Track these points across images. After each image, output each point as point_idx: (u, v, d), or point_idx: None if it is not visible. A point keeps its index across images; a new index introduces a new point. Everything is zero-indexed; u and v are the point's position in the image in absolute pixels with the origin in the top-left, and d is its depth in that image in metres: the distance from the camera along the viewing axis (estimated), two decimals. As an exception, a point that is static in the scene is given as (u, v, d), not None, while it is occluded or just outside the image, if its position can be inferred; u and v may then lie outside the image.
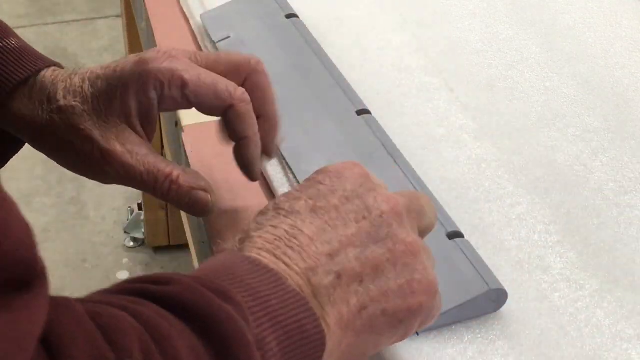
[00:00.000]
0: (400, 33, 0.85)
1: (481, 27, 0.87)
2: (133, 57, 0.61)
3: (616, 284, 0.61)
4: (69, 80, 0.62)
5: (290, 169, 0.68)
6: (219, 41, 0.82)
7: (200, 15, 0.87)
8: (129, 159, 0.60)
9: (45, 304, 0.35)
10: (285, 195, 0.50)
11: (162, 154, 1.62)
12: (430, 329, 0.57)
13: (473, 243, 0.61)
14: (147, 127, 0.61)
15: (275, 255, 0.46)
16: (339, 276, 0.46)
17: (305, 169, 0.67)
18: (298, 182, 0.66)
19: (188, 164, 0.73)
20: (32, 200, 1.96)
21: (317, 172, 0.51)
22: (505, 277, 0.60)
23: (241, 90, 0.60)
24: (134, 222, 1.86)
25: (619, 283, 0.61)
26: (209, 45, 0.83)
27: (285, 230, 0.47)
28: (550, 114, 0.76)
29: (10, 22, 0.78)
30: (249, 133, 0.61)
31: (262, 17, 0.84)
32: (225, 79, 0.61)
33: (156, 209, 1.73)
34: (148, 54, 0.61)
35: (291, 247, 0.46)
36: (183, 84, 0.59)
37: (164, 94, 0.60)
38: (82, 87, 0.61)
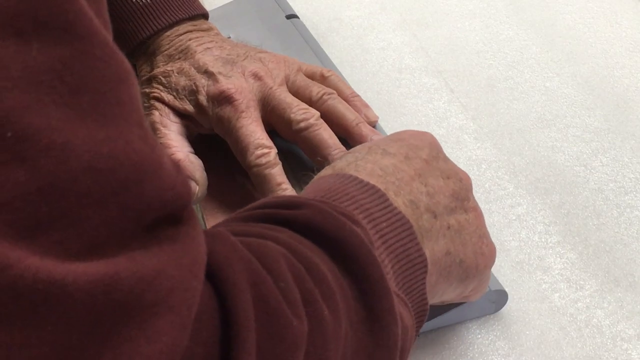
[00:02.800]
0: (400, 33, 0.85)
1: (481, 27, 0.87)
2: (207, 81, 0.67)
3: (616, 284, 0.61)
4: (174, 62, 0.69)
5: (290, 170, 0.68)
6: (219, 41, 0.82)
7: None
8: (158, 125, 0.67)
9: (201, 233, 0.36)
10: (374, 141, 0.53)
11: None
12: (430, 329, 0.57)
13: (473, 243, 0.61)
14: (193, 130, 0.68)
15: (384, 182, 0.48)
16: (435, 216, 0.49)
17: (303, 171, 0.67)
18: (301, 188, 0.66)
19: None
20: (32, 200, 1.96)
21: (398, 133, 0.54)
22: (506, 278, 0.60)
23: (261, 149, 0.64)
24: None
25: (619, 283, 0.61)
26: (209, 46, 0.83)
27: (387, 165, 0.50)
28: (550, 114, 0.76)
29: (10, 23, 0.78)
30: (263, 194, 0.65)
31: (263, 17, 0.84)
32: (257, 133, 0.65)
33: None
34: (215, 89, 0.66)
35: (398, 179, 0.49)
36: (222, 131, 0.66)
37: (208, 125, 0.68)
38: (175, 75, 0.69)
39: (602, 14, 0.89)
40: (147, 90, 0.69)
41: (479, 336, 0.57)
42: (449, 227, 0.50)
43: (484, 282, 0.53)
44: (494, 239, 0.63)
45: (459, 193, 0.51)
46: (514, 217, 0.66)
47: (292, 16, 0.83)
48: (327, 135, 0.66)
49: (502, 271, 0.61)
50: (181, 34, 0.71)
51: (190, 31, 0.71)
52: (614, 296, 0.60)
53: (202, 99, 0.67)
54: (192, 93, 0.68)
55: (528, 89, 0.79)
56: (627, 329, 0.58)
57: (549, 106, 0.77)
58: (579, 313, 0.59)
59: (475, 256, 0.51)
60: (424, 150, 0.52)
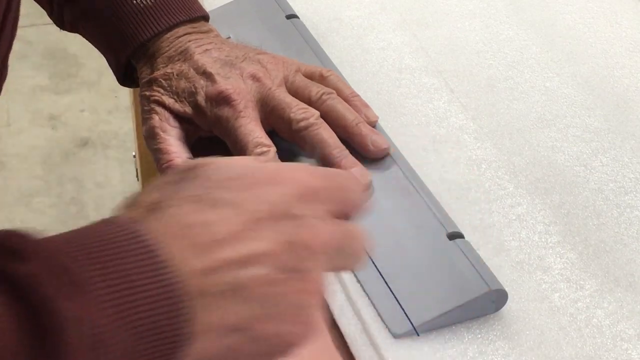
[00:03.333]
0: (400, 33, 0.85)
1: (481, 27, 0.87)
2: (205, 83, 0.67)
3: (616, 284, 0.61)
4: (174, 62, 0.70)
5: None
6: (219, 41, 0.82)
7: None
8: (158, 130, 0.67)
9: None
10: (223, 170, 0.46)
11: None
12: (430, 329, 0.57)
13: (473, 243, 0.61)
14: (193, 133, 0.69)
15: (169, 246, 0.41)
16: (234, 291, 0.42)
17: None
18: None
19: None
20: (32, 200, 1.96)
21: (263, 169, 0.46)
22: (506, 278, 0.60)
23: (259, 143, 0.64)
24: (134, 222, 1.86)
25: (619, 283, 0.61)
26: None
27: (198, 221, 0.43)
28: (550, 114, 0.76)
29: (10, 23, 0.78)
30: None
31: (263, 17, 0.84)
32: (255, 131, 0.65)
33: (156, 209, 1.73)
34: (212, 90, 0.67)
35: (192, 242, 0.42)
36: (221, 133, 0.67)
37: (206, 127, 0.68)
38: (175, 77, 0.69)
39: (602, 14, 0.88)
40: (147, 93, 0.69)
41: (479, 336, 0.57)
42: (252, 300, 0.43)
43: (285, 355, 0.45)
44: (494, 239, 0.64)
45: (292, 262, 0.44)
46: (514, 217, 0.66)
47: (292, 16, 0.83)
48: (327, 135, 0.65)
49: (502, 271, 0.61)
50: (180, 36, 0.71)
51: (190, 33, 0.71)
52: (614, 296, 0.60)
53: (201, 100, 0.67)
54: (192, 95, 0.68)
55: (528, 89, 0.79)
56: (627, 329, 0.58)
57: (549, 106, 0.77)
58: (579, 313, 0.59)
59: (281, 336, 0.44)
60: (270, 204, 0.44)
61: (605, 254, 0.63)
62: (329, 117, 0.67)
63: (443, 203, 0.64)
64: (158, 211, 0.43)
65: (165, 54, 0.70)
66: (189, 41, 0.71)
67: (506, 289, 0.58)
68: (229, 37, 0.82)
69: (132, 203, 0.45)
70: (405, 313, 0.57)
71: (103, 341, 0.39)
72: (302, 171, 0.47)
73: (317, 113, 0.66)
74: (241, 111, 0.66)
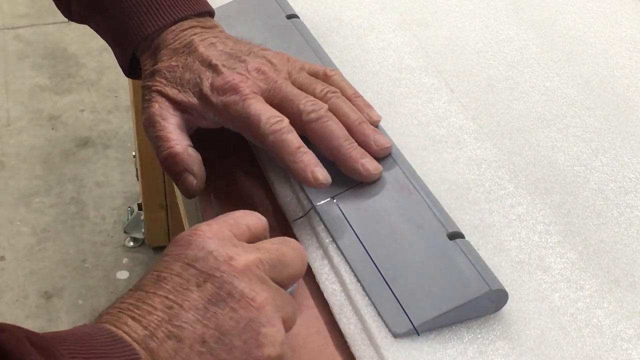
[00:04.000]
0: (400, 33, 0.85)
1: (481, 27, 0.87)
2: (210, 75, 0.68)
3: (616, 284, 0.61)
4: (178, 55, 0.70)
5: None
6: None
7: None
8: (157, 118, 0.67)
9: None
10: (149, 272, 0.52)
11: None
12: (430, 329, 0.57)
13: (473, 243, 0.61)
14: (194, 123, 0.69)
15: (115, 325, 0.48)
16: (180, 340, 0.48)
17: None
18: (301, 187, 0.67)
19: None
20: (32, 200, 1.95)
21: (171, 243, 0.54)
22: (506, 278, 0.60)
23: (273, 120, 0.65)
24: (134, 222, 1.86)
25: (619, 283, 0.61)
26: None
27: (129, 303, 0.49)
28: (550, 114, 0.76)
29: (10, 22, 0.79)
30: (284, 158, 0.64)
31: (263, 17, 0.84)
32: (267, 112, 0.65)
33: (156, 209, 1.73)
34: (218, 80, 0.67)
35: (132, 317, 0.49)
36: (230, 119, 0.66)
37: (215, 117, 0.68)
38: (176, 66, 0.69)
39: (602, 14, 0.89)
40: (149, 83, 0.69)
41: (479, 336, 0.57)
42: (204, 342, 0.49)
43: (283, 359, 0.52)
44: (494, 239, 0.64)
45: (219, 292, 0.50)
46: (514, 217, 0.66)
47: (292, 16, 0.83)
48: (336, 127, 0.65)
49: (502, 271, 0.61)
50: (185, 29, 0.71)
51: (194, 27, 0.71)
52: (614, 296, 0.60)
53: (206, 89, 0.67)
54: (196, 85, 0.67)
55: (528, 89, 0.79)
56: (627, 329, 0.58)
57: (549, 106, 0.77)
58: (579, 313, 0.59)
59: (249, 352, 0.50)
60: (180, 260, 0.52)
61: (605, 254, 0.63)
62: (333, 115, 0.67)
63: (443, 203, 0.64)
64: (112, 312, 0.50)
65: (170, 46, 0.70)
66: (194, 34, 0.71)
67: (506, 289, 0.58)
68: (229, 37, 0.82)
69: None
70: (405, 313, 0.57)
71: None
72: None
73: (326, 106, 0.66)
74: (248, 94, 0.66)
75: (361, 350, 0.56)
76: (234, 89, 0.66)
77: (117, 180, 2.01)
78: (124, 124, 2.10)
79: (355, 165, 0.65)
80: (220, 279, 0.50)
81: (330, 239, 0.63)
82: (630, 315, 0.59)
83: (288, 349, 0.52)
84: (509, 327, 0.58)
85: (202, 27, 0.72)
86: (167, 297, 0.49)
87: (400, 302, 0.57)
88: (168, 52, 0.70)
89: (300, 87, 0.68)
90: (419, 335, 0.57)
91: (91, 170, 2.03)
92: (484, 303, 0.57)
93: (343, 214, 0.64)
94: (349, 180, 0.66)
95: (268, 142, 0.64)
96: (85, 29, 0.81)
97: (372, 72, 0.80)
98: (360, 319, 0.58)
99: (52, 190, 1.98)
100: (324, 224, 0.64)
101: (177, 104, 0.68)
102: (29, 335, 0.44)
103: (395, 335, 0.57)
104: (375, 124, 0.69)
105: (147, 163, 1.66)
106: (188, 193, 0.67)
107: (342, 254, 0.62)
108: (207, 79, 0.67)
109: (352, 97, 0.70)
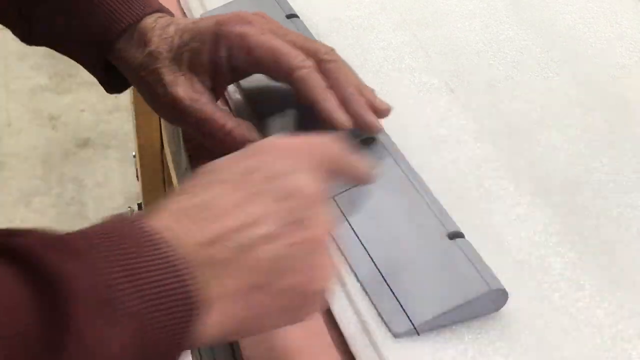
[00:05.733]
0: (400, 33, 0.85)
1: (481, 27, 0.87)
2: (214, 17, 0.67)
3: (616, 284, 0.61)
4: (165, 29, 0.68)
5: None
6: (219, 41, 0.82)
7: (201, 15, 0.87)
8: (187, 104, 0.65)
9: None
10: (214, 162, 0.50)
11: (162, 154, 1.62)
12: (430, 329, 0.57)
13: (473, 243, 0.61)
14: (217, 83, 0.67)
15: (171, 228, 0.45)
16: (241, 251, 0.46)
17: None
18: None
19: (189, 163, 0.73)
20: (32, 200, 1.96)
21: (247, 148, 0.51)
22: (506, 278, 0.60)
23: (302, 57, 0.64)
24: (134, 222, 1.86)
25: (619, 283, 0.61)
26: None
27: (198, 202, 0.47)
28: (550, 114, 0.76)
29: (10, 23, 0.78)
30: (313, 95, 0.64)
31: (262, 17, 0.84)
32: (292, 49, 0.65)
33: (156, 208, 1.73)
34: (227, 16, 0.66)
35: (195, 220, 0.46)
36: (249, 49, 0.65)
37: (233, 56, 0.66)
38: (172, 37, 0.68)
39: (602, 14, 0.89)
40: (154, 66, 0.67)
41: (479, 336, 0.57)
42: (263, 258, 0.46)
43: (318, 303, 0.50)
44: (494, 239, 0.64)
45: (293, 214, 0.48)
46: (514, 217, 0.66)
47: (292, 16, 0.83)
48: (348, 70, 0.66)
49: (502, 271, 0.61)
50: (162, 17, 0.71)
51: (167, 16, 0.71)
52: (614, 296, 0.60)
53: (218, 22, 0.66)
54: (203, 31, 0.66)
55: (528, 89, 0.79)
56: (627, 329, 0.58)
57: (549, 106, 0.77)
58: (579, 313, 0.59)
59: (302, 285, 0.48)
60: (262, 171, 0.49)
61: (605, 254, 0.63)
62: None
63: (443, 203, 0.64)
64: (158, 210, 0.47)
65: (156, 27, 0.69)
66: (172, 19, 0.70)
67: (506, 289, 0.58)
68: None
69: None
70: (405, 313, 0.57)
71: (109, 302, 0.41)
72: (284, 138, 0.52)
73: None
74: (264, 28, 0.66)
75: (361, 350, 0.56)
76: (248, 21, 0.66)
77: (117, 180, 2.01)
78: (124, 124, 2.10)
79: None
80: (299, 200, 0.48)
81: (330, 239, 0.63)
82: (630, 315, 0.59)
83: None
84: (509, 327, 0.58)
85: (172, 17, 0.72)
86: (238, 205, 0.47)
87: (400, 302, 0.57)
88: (156, 32, 0.69)
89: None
90: (419, 335, 0.57)
91: (91, 170, 2.03)
92: (484, 303, 0.57)
93: (343, 214, 0.64)
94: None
95: (297, 75, 0.63)
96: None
97: (372, 72, 0.80)
98: (360, 319, 0.58)
99: (52, 190, 1.99)
100: (324, 224, 0.64)
101: (192, 67, 0.66)
102: (45, 236, 0.43)
103: (395, 335, 0.57)
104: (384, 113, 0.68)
105: (147, 163, 1.66)
106: None
107: (342, 254, 0.62)
108: (210, 19, 0.66)
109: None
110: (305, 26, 0.82)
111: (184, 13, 0.90)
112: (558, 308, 0.59)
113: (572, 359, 0.56)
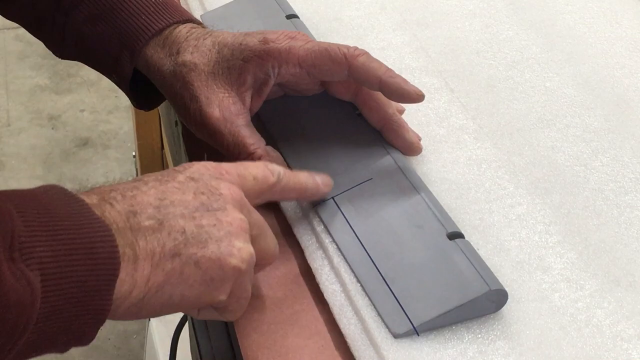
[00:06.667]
0: (400, 33, 0.85)
1: (481, 27, 0.87)
2: (258, 35, 0.66)
3: (616, 284, 0.61)
4: (201, 40, 0.68)
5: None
6: (219, 41, 0.82)
7: (201, 15, 0.87)
8: (222, 126, 0.65)
9: None
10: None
11: (162, 154, 1.62)
12: (430, 329, 0.57)
13: (473, 243, 0.61)
14: (256, 101, 0.67)
15: (102, 199, 0.52)
16: (160, 223, 0.52)
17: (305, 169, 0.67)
18: None
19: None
20: (32, 200, 1.95)
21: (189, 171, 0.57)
22: (506, 277, 0.60)
23: (352, 47, 0.66)
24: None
25: (619, 283, 0.61)
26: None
27: (125, 188, 0.53)
28: (550, 114, 0.76)
29: (10, 22, 0.78)
30: (379, 74, 0.65)
31: (263, 17, 0.84)
32: (336, 44, 0.66)
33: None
34: (272, 34, 0.67)
35: (123, 196, 0.52)
36: (300, 59, 0.65)
37: (282, 72, 0.66)
38: (210, 50, 0.67)
39: (602, 14, 0.89)
40: (190, 79, 0.66)
41: (479, 336, 0.57)
42: (183, 232, 0.52)
43: (242, 287, 0.56)
44: (494, 239, 0.64)
45: (212, 204, 0.54)
46: (514, 217, 0.66)
47: (292, 16, 0.83)
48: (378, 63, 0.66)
49: (502, 271, 0.61)
50: (195, 27, 0.70)
51: (198, 27, 0.71)
52: (614, 296, 0.60)
53: (258, 43, 0.66)
54: (240, 50, 0.66)
55: (528, 89, 0.79)
56: (627, 329, 0.58)
57: (549, 106, 0.77)
58: (579, 313, 0.59)
59: (221, 256, 0.53)
60: (184, 173, 0.56)
61: (605, 254, 0.63)
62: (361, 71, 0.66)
63: (443, 203, 0.64)
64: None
65: (190, 37, 0.68)
66: (209, 31, 0.70)
67: (506, 289, 0.58)
68: (229, 37, 0.82)
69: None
70: (405, 313, 0.57)
71: (28, 252, 0.46)
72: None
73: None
74: (305, 39, 0.67)
75: (361, 350, 0.56)
76: (291, 37, 0.66)
77: (117, 180, 2.01)
78: (124, 124, 2.10)
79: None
80: (219, 196, 0.54)
81: (330, 239, 0.63)
82: (630, 315, 0.59)
83: (251, 274, 0.56)
84: (509, 327, 0.58)
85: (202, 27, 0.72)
86: (162, 192, 0.53)
87: (400, 302, 0.57)
88: (191, 42, 0.68)
89: None
90: (418, 335, 0.57)
91: (91, 170, 2.03)
92: (484, 303, 0.57)
93: (343, 214, 0.64)
94: (349, 181, 0.66)
95: (358, 62, 0.64)
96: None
97: (372, 72, 0.80)
98: (360, 319, 0.58)
99: (52, 190, 1.99)
100: (324, 224, 0.64)
101: (232, 84, 0.66)
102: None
103: (395, 335, 0.57)
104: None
105: (147, 163, 1.66)
106: None
107: (342, 254, 0.62)
108: (255, 36, 0.66)
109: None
110: (305, 26, 0.82)
111: (184, 13, 0.90)
112: (558, 308, 0.59)
113: (572, 359, 0.56)
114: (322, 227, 0.64)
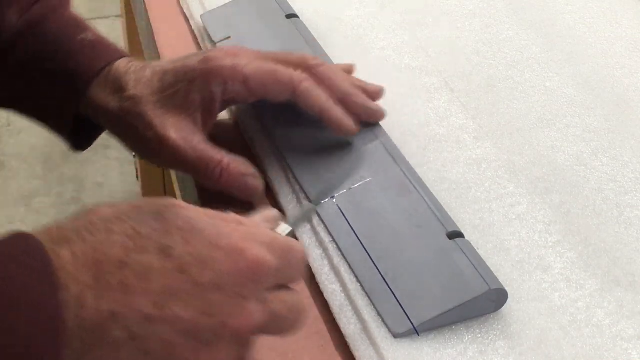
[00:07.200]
0: (400, 33, 0.85)
1: (481, 27, 0.87)
2: (199, 55, 0.67)
3: (616, 284, 0.61)
4: (140, 72, 0.68)
5: (292, 172, 0.68)
6: (220, 41, 0.82)
7: (201, 15, 0.87)
8: (182, 144, 0.64)
9: None
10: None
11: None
12: (430, 329, 0.57)
13: (473, 243, 0.61)
14: (207, 119, 0.66)
15: (80, 272, 0.41)
16: (132, 340, 0.42)
17: (307, 172, 0.67)
18: (301, 187, 0.67)
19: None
20: (32, 200, 1.96)
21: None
22: (506, 277, 0.60)
23: (297, 72, 0.66)
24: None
25: (619, 283, 0.61)
26: (209, 46, 0.83)
27: (127, 260, 0.43)
28: (550, 114, 0.76)
29: (10, 22, 0.78)
30: (320, 104, 0.66)
31: (263, 17, 0.84)
32: (286, 67, 0.66)
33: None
34: (213, 52, 0.67)
35: (110, 279, 0.42)
36: (244, 78, 0.65)
37: (227, 89, 0.66)
38: (151, 80, 0.67)
39: (602, 14, 0.89)
40: (140, 110, 0.66)
41: (479, 336, 0.57)
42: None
43: None
44: (494, 239, 0.64)
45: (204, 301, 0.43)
46: (514, 217, 0.66)
47: (292, 16, 0.83)
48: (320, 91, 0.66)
49: (502, 270, 0.61)
50: (131, 62, 0.70)
51: (134, 61, 0.70)
52: (614, 296, 0.60)
53: (199, 63, 0.66)
54: (182, 74, 0.66)
55: (528, 89, 0.79)
56: (627, 329, 0.58)
57: (549, 106, 0.77)
58: (579, 313, 0.59)
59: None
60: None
61: (605, 253, 0.63)
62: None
63: (443, 203, 0.64)
64: (90, 231, 0.43)
65: (131, 71, 0.68)
66: (145, 62, 0.69)
67: (506, 289, 0.58)
68: (229, 37, 0.83)
69: (74, 216, 0.44)
70: (405, 313, 0.57)
71: None
72: (264, 247, 0.46)
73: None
74: (253, 55, 0.66)
75: (361, 350, 0.56)
76: (234, 53, 0.66)
77: (117, 180, 2.01)
78: (124, 124, 2.10)
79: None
80: (223, 281, 0.44)
81: (330, 239, 0.63)
82: (630, 315, 0.59)
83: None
84: (509, 327, 0.58)
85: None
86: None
87: (400, 302, 0.57)
88: (132, 76, 0.68)
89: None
90: (419, 335, 0.57)
91: (91, 170, 2.03)
92: (484, 303, 0.57)
93: (343, 214, 0.64)
94: (349, 180, 0.66)
95: (300, 90, 0.65)
96: (85, 29, 0.80)
97: (372, 72, 0.80)
98: (360, 319, 0.58)
99: (52, 190, 1.99)
100: (324, 224, 0.64)
101: (181, 108, 0.66)
102: None
103: (395, 335, 0.57)
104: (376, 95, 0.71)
105: (147, 163, 1.66)
106: (257, 193, 0.65)
107: (342, 254, 0.62)
108: (195, 57, 0.66)
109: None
110: (305, 26, 0.82)
111: (184, 13, 0.90)
112: (558, 308, 0.59)
113: (572, 359, 0.56)
114: (322, 226, 0.64)
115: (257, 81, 0.66)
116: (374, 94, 0.70)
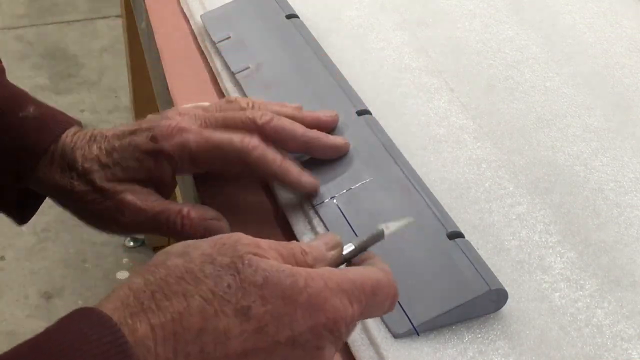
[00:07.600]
0: (400, 33, 0.85)
1: (481, 27, 0.87)
2: (145, 131, 0.65)
3: (616, 284, 0.61)
4: (87, 148, 0.66)
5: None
6: (219, 42, 0.82)
7: (201, 15, 0.87)
8: (141, 204, 0.64)
9: None
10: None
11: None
12: (430, 329, 0.57)
13: (473, 243, 0.61)
14: (163, 190, 0.66)
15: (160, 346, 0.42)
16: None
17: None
18: None
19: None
20: (32, 200, 1.96)
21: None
22: (506, 277, 0.60)
23: (247, 138, 0.64)
24: (134, 222, 1.86)
25: (619, 283, 0.61)
26: (209, 46, 0.83)
27: (204, 327, 0.43)
28: (550, 114, 0.76)
29: (10, 22, 0.78)
30: (274, 169, 0.64)
31: (262, 17, 0.84)
32: (232, 135, 0.64)
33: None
34: (159, 128, 0.64)
35: (189, 350, 0.43)
36: (192, 157, 0.64)
37: (177, 167, 0.65)
38: (98, 156, 0.66)
39: (602, 14, 0.89)
40: (92, 186, 0.65)
41: (479, 336, 0.57)
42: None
43: None
44: (494, 239, 0.64)
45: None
46: (514, 217, 0.66)
47: (292, 16, 0.83)
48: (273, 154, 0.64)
49: (502, 271, 0.61)
50: (76, 133, 0.68)
51: (80, 130, 0.69)
52: (614, 296, 0.60)
53: (146, 143, 0.65)
54: (136, 148, 0.64)
55: (528, 89, 0.79)
56: (627, 329, 0.58)
57: (549, 106, 0.77)
58: (579, 313, 0.59)
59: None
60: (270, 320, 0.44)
61: (605, 254, 0.63)
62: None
63: (443, 203, 0.64)
64: (166, 295, 0.43)
65: (77, 144, 0.67)
66: (89, 133, 0.68)
67: (506, 289, 0.58)
68: (229, 37, 0.83)
69: (139, 274, 0.45)
70: (405, 313, 0.57)
71: None
72: (345, 296, 0.46)
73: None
74: (200, 127, 0.64)
75: (361, 350, 0.56)
76: (181, 128, 0.64)
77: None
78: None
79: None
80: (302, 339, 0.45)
81: None
82: (630, 315, 0.59)
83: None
84: (509, 327, 0.58)
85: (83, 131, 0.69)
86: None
87: (400, 302, 0.57)
88: (79, 152, 0.66)
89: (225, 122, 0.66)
90: (419, 335, 0.57)
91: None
92: (484, 303, 0.57)
93: (343, 214, 0.64)
94: (349, 180, 0.66)
95: (252, 159, 0.63)
96: (85, 29, 0.80)
97: (372, 72, 0.80)
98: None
99: (52, 190, 1.99)
100: (324, 224, 0.64)
101: (132, 181, 0.65)
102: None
103: (395, 335, 0.57)
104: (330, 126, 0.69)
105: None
106: (222, 233, 0.63)
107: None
108: (143, 133, 0.65)
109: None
110: (305, 26, 0.82)
111: (184, 13, 0.90)
112: (558, 308, 0.59)
113: (572, 359, 0.56)
114: (322, 226, 0.64)
115: (205, 158, 0.64)
116: (331, 122, 0.69)
